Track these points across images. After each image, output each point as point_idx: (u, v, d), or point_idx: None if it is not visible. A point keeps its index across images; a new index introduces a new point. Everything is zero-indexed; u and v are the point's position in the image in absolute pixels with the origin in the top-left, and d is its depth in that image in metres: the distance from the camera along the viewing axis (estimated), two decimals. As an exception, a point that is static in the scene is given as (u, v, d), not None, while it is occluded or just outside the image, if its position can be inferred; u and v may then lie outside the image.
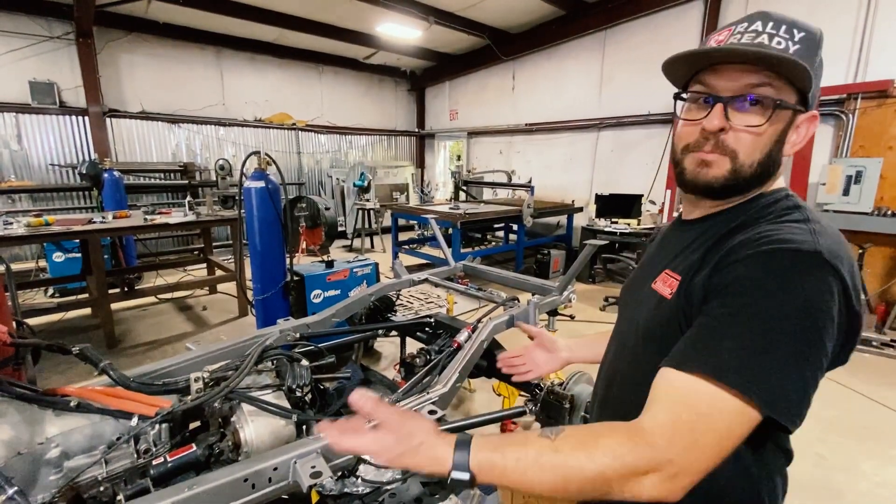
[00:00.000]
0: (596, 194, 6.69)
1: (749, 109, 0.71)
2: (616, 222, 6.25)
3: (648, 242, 1.09)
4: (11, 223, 3.91)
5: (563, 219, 7.76)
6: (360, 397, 0.72)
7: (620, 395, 0.91)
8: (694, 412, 0.62)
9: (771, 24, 0.70)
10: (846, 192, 4.62)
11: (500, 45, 8.32)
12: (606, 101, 7.28)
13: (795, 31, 0.70)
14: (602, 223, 6.35)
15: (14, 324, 1.79)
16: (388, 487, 2.24)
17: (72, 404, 1.24)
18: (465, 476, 0.67)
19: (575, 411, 1.85)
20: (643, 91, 6.56)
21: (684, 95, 0.79)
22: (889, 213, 4.43)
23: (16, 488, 0.99)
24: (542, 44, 7.98)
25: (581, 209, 7.44)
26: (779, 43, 0.69)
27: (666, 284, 0.79)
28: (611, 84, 7.21)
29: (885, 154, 4.55)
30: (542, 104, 8.44)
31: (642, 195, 6.34)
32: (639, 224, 6.12)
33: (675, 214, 0.99)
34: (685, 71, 0.78)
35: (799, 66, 0.66)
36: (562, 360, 1.27)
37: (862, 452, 2.71)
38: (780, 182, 0.80)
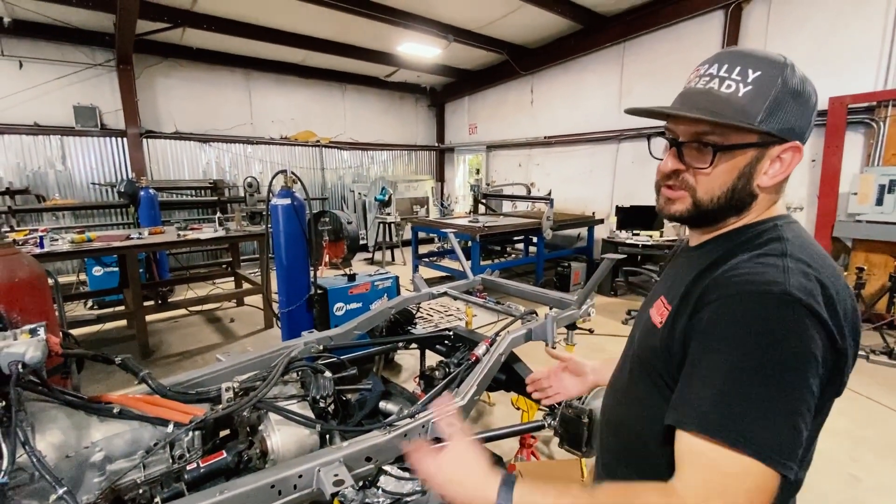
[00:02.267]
0: (617, 206, 6.65)
1: (699, 153, 0.77)
2: (637, 234, 6.19)
3: (672, 255, 1.10)
4: (57, 239, 4.16)
5: (583, 231, 7.71)
6: (446, 426, 0.90)
7: (618, 411, 0.94)
8: (719, 473, 0.63)
9: (726, 66, 0.74)
10: (879, 201, 4.47)
11: (518, 60, 8.43)
12: (627, 114, 7.25)
13: (750, 72, 0.72)
14: (623, 235, 6.29)
15: (61, 334, 1.92)
16: (409, 500, 2.27)
17: (115, 411, 1.32)
18: None
19: (593, 425, 1.85)
20: (664, 102, 6.38)
21: (660, 137, 0.88)
22: (926, 223, 4.27)
23: (65, 489, 1.07)
24: (561, 58, 8.05)
25: (602, 221, 7.39)
26: (728, 87, 0.73)
27: (658, 313, 0.83)
28: (630, 95, 7.20)
29: (919, 162, 4.41)
30: (560, 117, 8.48)
31: (664, 206, 6.25)
32: (661, 236, 6.04)
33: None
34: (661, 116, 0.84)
35: (726, 124, 0.72)
36: (589, 383, 1.30)
37: (900, 474, 2.59)
38: (778, 208, 0.81)
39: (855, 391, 3.11)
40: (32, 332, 1.22)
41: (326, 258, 7.60)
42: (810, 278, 0.67)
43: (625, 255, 3.14)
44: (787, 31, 5.40)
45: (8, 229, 5.54)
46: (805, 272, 0.68)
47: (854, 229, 4.54)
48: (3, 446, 1.06)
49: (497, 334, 2.24)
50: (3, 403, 1.08)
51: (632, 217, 6.36)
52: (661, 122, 0.86)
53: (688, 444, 0.67)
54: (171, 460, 1.35)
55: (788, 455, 0.61)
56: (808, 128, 0.76)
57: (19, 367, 1.12)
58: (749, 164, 0.75)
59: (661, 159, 0.84)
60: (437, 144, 11.68)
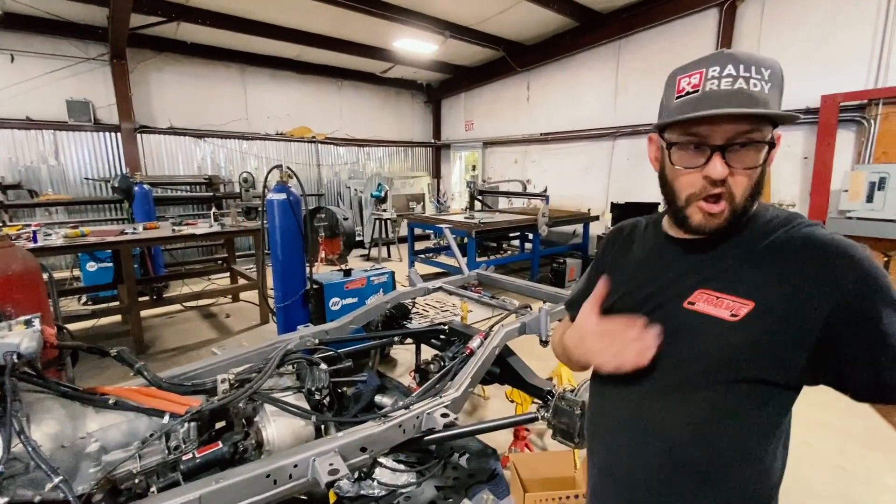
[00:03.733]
0: (612, 203, 6.68)
1: (742, 152, 0.75)
2: (632, 231, 6.22)
3: (606, 247, 1.07)
4: (51, 234, 4.14)
5: (579, 227, 7.74)
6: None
7: (698, 440, 0.81)
8: None
9: (742, 66, 0.73)
10: (870, 198, 4.52)
11: (514, 57, 8.43)
12: (622, 110, 7.28)
13: (764, 70, 0.73)
14: (618, 232, 6.32)
15: (56, 328, 1.92)
16: (404, 490, 2.30)
17: (110, 402, 1.33)
18: None
19: (585, 417, 1.88)
20: (659, 99, 6.54)
21: (673, 138, 0.80)
22: (916, 220, 4.32)
23: (61, 477, 1.08)
24: (557, 54, 8.05)
25: (597, 218, 7.42)
26: (755, 85, 0.72)
27: (722, 306, 0.77)
28: (626, 93, 7.22)
29: (909, 160, 4.46)
30: (557, 114, 8.49)
31: (658, 203, 6.30)
32: (656, 232, 6.06)
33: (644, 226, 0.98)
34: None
35: (789, 117, 0.73)
36: None
37: (886, 465, 2.64)
38: None
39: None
40: (27, 324, 1.22)
41: (322, 254, 7.59)
42: None
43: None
44: (781, 29, 5.43)
45: (0, 224, 5.50)
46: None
47: (845, 226, 4.59)
48: (-1, 436, 1.07)
49: (491, 328, 2.26)
50: (-1, 394, 1.09)
51: (627, 214, 6.38)
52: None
53: None
54: (166, 451, 1.36)
55: None
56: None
57: (14, 357, 1.13)
58: (766, 154, 0.77)
59: (688, 168, 0.78)
60: (433, 141, 11.67)
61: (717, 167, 0.74)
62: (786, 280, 0.74)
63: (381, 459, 2.37)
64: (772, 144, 0.76)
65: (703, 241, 0.84)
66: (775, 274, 0.75)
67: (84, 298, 5.71)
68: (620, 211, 6.47)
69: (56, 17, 6.25)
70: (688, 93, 0.77)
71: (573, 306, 1.08)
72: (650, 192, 6.70)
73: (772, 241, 0.78)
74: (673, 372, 0.81)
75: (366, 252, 9.23)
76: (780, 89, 0.75)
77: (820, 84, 5.02)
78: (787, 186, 5.56)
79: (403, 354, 4.07)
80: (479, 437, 2.67)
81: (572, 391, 2.01)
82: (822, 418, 3.08)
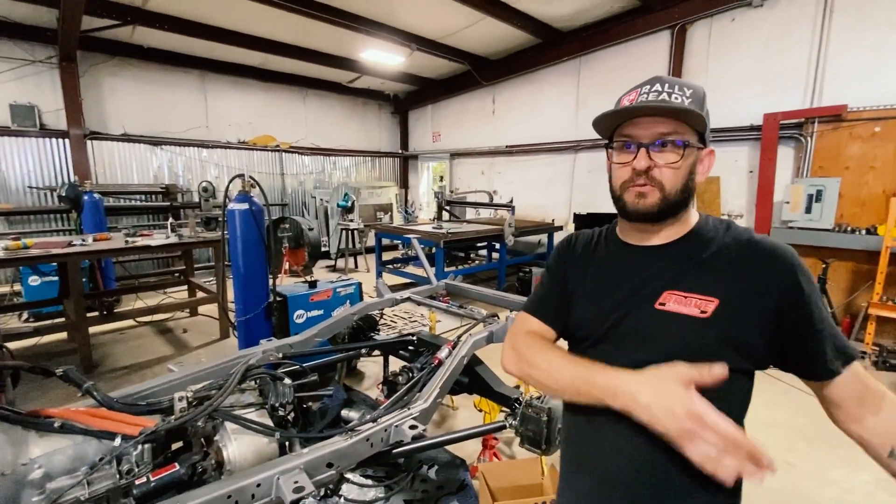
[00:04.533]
0: (574, 213, 6.88)
1: (663, 150, 0.90)
2: (595, 240, 6.43)
3: (558, 259, 1.13)
4: (-13, 247, 3.85)
5: (543, 237, 7.93)
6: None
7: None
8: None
9: (667, 85, 0.90)
10: (808, 209, 4.87)
11: (480, 71, 8.61)
12: (583, 124, 7.56)
13: (686, 90, 0.90)
14: (581, 241, 6.53)
15: (-7, 348, 1.79)
16: (371, 506, 2.25)
17: (55, 425, 1.25)
18: None
19: (552, 423, 1.91)
20: None
21: (613, 144, 0.97)
22: (849, 229, 4.68)
23: (0, 508, 1.00)
24: (521, 69, 8.29)
25: (561, 228, 7.63)
26: (676, 98, 0.88)
27: (692, 304, 0.87)
28: (586, 107, 7.51)
29: (842, 174, 4.84)
30: (521, 127, 8.71)
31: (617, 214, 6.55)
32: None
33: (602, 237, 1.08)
34: (609, 124, 0.96)
35: (694, 113, 0.87)
36: None
37: (831, 460, 2.82)
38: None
39: (789, 384, 3.36)
40: (-38, 343, 1.14)
41: (287, 265, 7.41)
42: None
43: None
44: (726, 51, 5.82)
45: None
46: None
47: (787, 235, 4.92)
48: (-72, 466, 0.98)
49: (460, 338, 2.27)
50: (-72, 420, 1.00)
51: (589, 224, 6.54)
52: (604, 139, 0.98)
53: (857, 372, 0.85)
54: (118, 475, 1.28)
55: None
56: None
57: (-53, 380, 1.05)
58: (693, 162, 0.92)
59: (621, 163, 0.94)
60: (400, 151, 11.69)
61: (639, 160, 0.90)
62: (739, 277, 0.87)
63: (348, 475, 2.31)
64: (687, 144, 0.89)
65: (659, 248, 0.95)
66: (728, 273, 0.88)
67: (26, 315, 5.33)
68: (582, 221, 6.68)
69: (2, 18, 5.90)
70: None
71: (536, 310, 1.11)
72: (609, 204, 6.95)
73: (719, 246, 0.91)
74: (644, 362, 0.84)
75: (332, 263, 9.08)
76: (701, 106, 0.90)
77: (763, 103, 5.39)
78: (734, 199, 5.91)
79: (371, 367, 4.01)
80: (448, 447, 2.66)
81: (538, 398, 2.04)
82: (772, 418, 3.26)
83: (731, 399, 0.86)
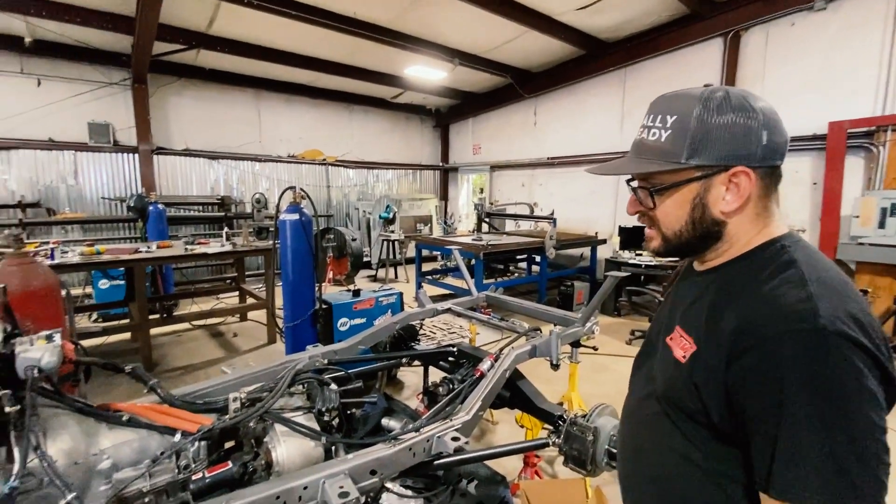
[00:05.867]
0: (619, 226, 6.69)
1: (644, 195, 0.86)
2: (640, 254, 6.21)
3: (675, 276, 1.10)
4: (67, 252, 4.22)
5: (586, 251, 7.74)
6: None
7: (640, 443, 0.93)
8: None
9: (652, 116, 0.83)
10: (882, 224, 4.49)
11: (522, 83, 8.62)
12: (628, 136, 7.36)
13: (668, 118, 0.80)
14: (626, 255, 6.32)
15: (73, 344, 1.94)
16: (410, 517, 2.24)
17: (123, 419, 1.34)
18: None
19: (597, 444, 1.84)
20: None
21: (628, 181, 0.94)
22: (929, 246, 4.28)
23: (74, 494, 1.08)
24: (564, 81, 8.23)
25: (605, 241, 7.43)
26: (654, 134, 0.82)
27: (679, 346, 0.82)
28: (632, 118, 7.32)
29: (920, 186, 4.44)
30: (564, 138, 8.61)
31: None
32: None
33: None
34: None
35: (647, 172, 0.83)
36: None
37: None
38: (777, 228, 0.80)
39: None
40: (48, 339, 1.24)
41: (330, 274, 7.64)
42: (842, 295, 0.66)
43: (628, 273, 3.15)
44: (785, 57, 5.52)
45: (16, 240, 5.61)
46: (833, 290, 0.67)
47: (857, 252, 4.55)
48: (16, 450, 1.07)
49: (501, 350, 2.25)
50: (18, 408, 1.10)
51: (635, 237, 6.39)
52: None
53: None
54: (176, 470, 1.35)
55: None
56: (754, 149, 0.75)
57: (35, 372, 1.15)
58: (697, 196, 0.80)
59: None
60: (441, 164, 11.84)
61: (629, 205, 0.91)
62: (713, 333, 0.75)
63: (389, 484, 2.32)
64: (655, 190, 0.83)
65: (698, 274, 0.90)
66: (712, 320, 0.76)
67: (95, 315, 5.76)
68: (628, 234, 6.47)
69: (83, 44, 6.52)
70: None
71: None
72: (658, 216, 6.71)
73: (729, 289, 0.78)
74: (641, 397, 0.94)
75: (373, 273, 9.26)
76: (686, 134, 0.77)
77: (827, 111, 5.06)
78: (796, 212, 5.54)
79: (410, 377, 4.03)
80: (488, 463, 2.62)
81: (584, 416, 1.98)
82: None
83: (703, 461, 0.77)
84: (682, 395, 0.78)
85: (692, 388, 0.76)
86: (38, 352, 1.17)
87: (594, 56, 7.43)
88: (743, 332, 0.69)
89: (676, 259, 6.01)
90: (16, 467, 1.05)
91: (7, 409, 1.07)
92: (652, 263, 5.91)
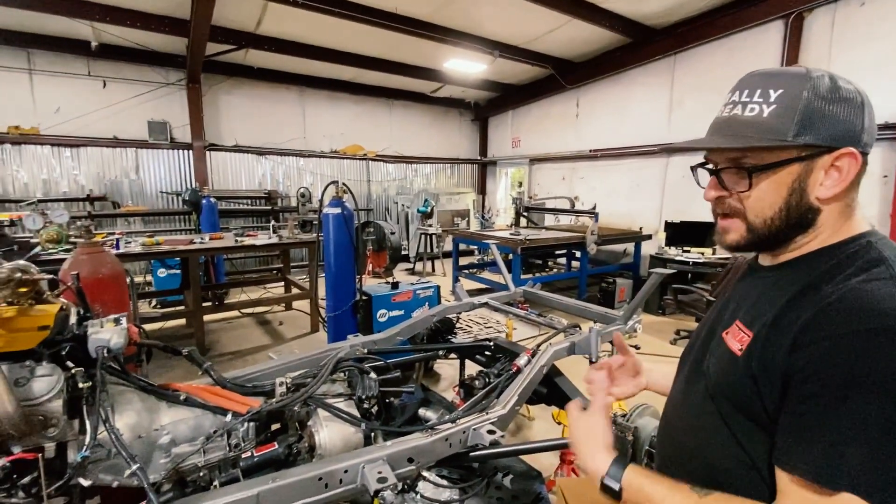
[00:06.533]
0: (666, 221, 6.42)
1: (737, 177, 0.77)
2: (688, 251, 5.94)
3: (725, 274, 1.09)
4: (130, 242, 4.54)
5: (629, 246, 7.49)
6: (597, 395, 1.05)
7: (688, 437, 0.88)
8: None
9: (747, 91, 0.76)
10: (965, 221, 4.07)
11: (563, 74, 8.40)
12: (676, 126, 7.04)
13: (772, 92, 0.73)
14: (673, 252, 6.06)
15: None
16: (446, 507, 2.27)
17: (181, 398, 1.44)
18: (615, 486, 0.81)
19: (638, 444, 1.80)
20: (715, 115, 6.29)
21: (697, 166, 0.88)
22: None
23: (139, 465, 1.17)
24: (607, 71, 7.95)
25: (650, 237, 7.16)
26: (752, 110, 0.74)
27: (736, 339, 0.78)
28: (681, 108, 6.98)
29: None
30: (607, 130, 8.34)
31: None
32: (713, 253, 5.77)
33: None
34: None
35: (748, 146, 0.74)
36: (641, 385, 1.19)
37: None
38: (859, 223, 0.76)
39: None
40: (116, 322, 1.35)
41: (369, 267, 7.80)
42: None
43: (674, 271, 3.04)
44: (853, 41, 5.08)
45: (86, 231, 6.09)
46: None
47: (935, 251, 4.16)
48: (87, 423, 1.18)
49: (539, 346, 2.23)
50: (90, 384, 1.20)
51: (682, 233, 6.12)
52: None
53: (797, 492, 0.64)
54: (227, 448, 1.44)
55: None
56: (859, 132, 0.71)
57: (105, 351, 1.25)
58: (797, 178, 0.73)
59: (705, 188, 0.85)
60: (479, 158, 11.78)
61: (708, 190, 0.83)
62: (782, 320, 0.71)
63: (425, 473, 2.36)
64: (754, 170, 0.74)
65: (767, 269, 0.85)
66: (785, 309, 0.72)
67: (154, 302, 6.18)
68: (674, 230, 6.21)
69: (143, 46, 6.94)
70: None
71: None
72: (706, 212, 6.38)
73: (806, 285, 0.73)
74: (687, 388, 0.91)
75: (411, 266, 9.38)
76: (795, 108, 0.71)
77: (902, 97, 4.63)
78: (863, 207, 5.09)
79: (446, 369, 4.07)
80: (524, 458, 2.61)
81: (624, 416, 1.93)
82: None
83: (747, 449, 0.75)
84: (736, 386, 0.75)
85: (749, 378, 0.73)
86: (107, 333, 1.28)
87: (641, 44, 7.12)
88: (819, 324, 0.65)
89: (727, 257, 5.68)
90: (87, 438, 1.15)
91: (80, 385, 1.18)
92: (700, 261, 5.64)
